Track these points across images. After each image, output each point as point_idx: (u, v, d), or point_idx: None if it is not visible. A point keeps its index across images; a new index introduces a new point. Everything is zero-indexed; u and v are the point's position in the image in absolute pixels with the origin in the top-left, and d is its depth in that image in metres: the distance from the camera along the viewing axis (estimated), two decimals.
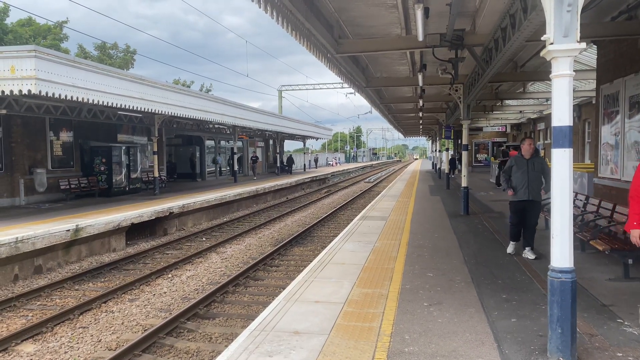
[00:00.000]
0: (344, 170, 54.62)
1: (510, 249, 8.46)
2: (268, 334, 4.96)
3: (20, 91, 11.25)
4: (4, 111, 15.09)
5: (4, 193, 16.64)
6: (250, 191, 22.83)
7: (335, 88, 52.52)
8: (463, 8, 9.09)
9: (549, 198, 5.95)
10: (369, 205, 17.06)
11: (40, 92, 11.42)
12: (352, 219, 13.96)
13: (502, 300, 5.92)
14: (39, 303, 8.91)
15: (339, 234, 11.62)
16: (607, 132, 10.84)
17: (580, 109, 21.80)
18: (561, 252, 4.11)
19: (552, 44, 4.03)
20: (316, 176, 37.96)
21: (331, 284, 6.78)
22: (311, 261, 8.62)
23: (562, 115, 4.08)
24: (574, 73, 4.13)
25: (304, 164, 50.82)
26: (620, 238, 7.51)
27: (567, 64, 4.04)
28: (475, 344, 4.62)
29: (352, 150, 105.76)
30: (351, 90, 30.76)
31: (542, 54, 4.21)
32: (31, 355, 6.53)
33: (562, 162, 4.10)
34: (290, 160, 43.11)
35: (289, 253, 12.53)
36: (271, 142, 44.08)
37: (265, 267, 11.03)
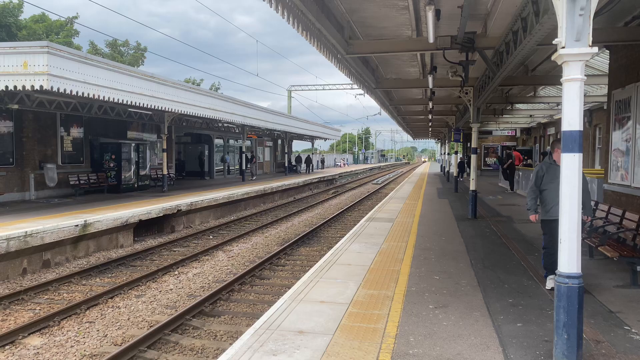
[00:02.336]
0: (351, 171, 54.59)
1: (549, 284, 6.52)
2: (273, 332, 4.97)
3: (33, 86, 11.35)
4: (16, 106, 15.24)
5: (14, 187, 16.79)
6: (257, 190, 22.88)
7: (344, 89, 52.55)
8: (474, 10, 9.07)
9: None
10: (376, 206, 17.04)
11: (52, 87, 11.51)
12: (359, 220, 13.95)
13: (508, 304, 5.89)
14: (46, 297, 8.98)
15: (345, 234, 11.62)
16: (618, 138, 10.75)
17: (591, 114, 21.63)
18: (569, 257, 4.09)
19: (563, 47, 4.01)
20: (324, 177, 37.96)
21: (337, 284, 6.79)
22: (317, 261, 8.63)
23: (572, 119, 4.06)
24: (585, 78, 4.10)
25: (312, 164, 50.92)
26: (629, 245, 7.45)
27: (579, 68, 4.01)
28: (480, 347, 4.60)
29: (360, 152, 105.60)
30: (360, 91, 30.75)
31: (553, 57, 4.19)
32: (38, 349, 6.58)
33: (572, 167, 4.09)
34: (309, 160, 44.66)
35: (296, 253, 12.54)
36: (280, 141, 44.18)
37: (272, 266, 11.04)
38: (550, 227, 6.45)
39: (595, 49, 4.03)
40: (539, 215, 6.73)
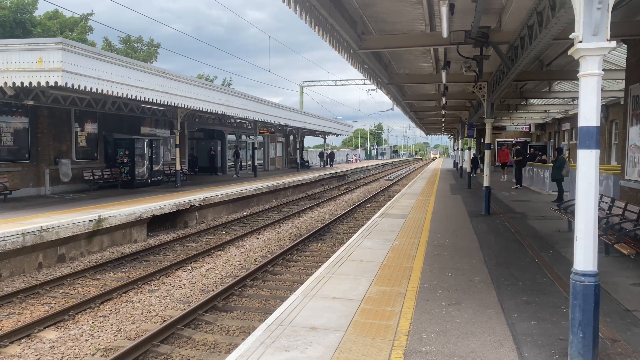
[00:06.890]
0: (363, 167, 54.42)
1: None
2: (285, 328, 4.97)
3: (47, 83, 11.46)
4: (31, 102, 15.42)
5: (29, 182, 17.01)
6: (269, 186, 22.92)
7: (356, 84, 52.20)
8: (489, 5, 8.97)
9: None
10: (389, 202, 16.98)
11: (66, 84, 11.61)
12: (372, 217, 13.91)
13: (523, 302, 5.84)
14: (61, 291, 9.09)
15: (357, 230, 11.60)
16: (635, 134, 10.58)
17: (608, 109, 21.33)
18: (585, 255, 4.03)
19: (580, 42, 3.94)
20: (336, 173, 37.93)
21: (349, 280, 6.77)
22: (329, 257, 8.62)
23: (589, 115, 3.99)
24: (603, 72, 4.03)
25: (323, 160, 50.86)
26: None
27: (596, 63, 3.94)
28: (494, 345, 4.56)
29: (372, 147, 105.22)
30: (373, 86, 30.60)
31: (570, 52, 4.12)
32: (53, 342, 6.67)
33: (588, 164, 4.03)
34: (332, 155, 48.49)
35: (308, 249, 12.55)
36: (292, 137, 44.22)
37: (284, 262, 11.06)
38: None
39: (613, 44, 3.96)
40: None
